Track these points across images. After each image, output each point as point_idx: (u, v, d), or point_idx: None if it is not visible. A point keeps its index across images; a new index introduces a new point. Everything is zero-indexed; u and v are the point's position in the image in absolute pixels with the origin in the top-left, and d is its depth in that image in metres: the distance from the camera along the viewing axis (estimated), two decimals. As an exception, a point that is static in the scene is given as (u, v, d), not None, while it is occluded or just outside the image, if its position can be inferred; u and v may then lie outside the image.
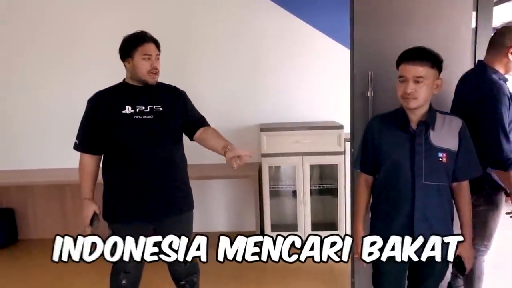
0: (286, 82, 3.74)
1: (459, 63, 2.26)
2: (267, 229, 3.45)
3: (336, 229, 3.40)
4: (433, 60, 1.66)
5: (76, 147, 2.08)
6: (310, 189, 3.42)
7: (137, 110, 2.01)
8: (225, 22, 3.68)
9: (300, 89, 3.74)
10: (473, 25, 2.34)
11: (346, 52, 2.50)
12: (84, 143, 2.06)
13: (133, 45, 1.98)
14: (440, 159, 1.67)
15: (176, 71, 3.64)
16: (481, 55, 2.33)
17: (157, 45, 2.05)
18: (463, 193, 1.75)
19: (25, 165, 3.88)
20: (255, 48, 3.70)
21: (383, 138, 1.77)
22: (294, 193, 3.47)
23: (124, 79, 2.11)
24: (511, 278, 2.92)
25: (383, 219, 1.79)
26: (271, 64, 3.72)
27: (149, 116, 2.02)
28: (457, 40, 2.25)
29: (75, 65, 3.77)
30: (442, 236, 1.59)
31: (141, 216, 2.06)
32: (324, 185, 3.62)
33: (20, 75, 3.82)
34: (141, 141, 2.00)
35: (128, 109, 2.00)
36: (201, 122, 2.19)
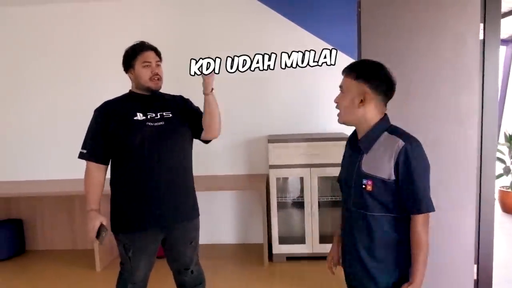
0: (294, 93, 3.76)
1: (466, 75, 2.25)
2: (275, 241, 3.43)
3: (344, 241, 3.36)
4: (359, 72, 1.50)
5: (83, 156, 2.05)
6: (318, 201, 3.40)
7: (149, 116, 2.04)
8: (232, 34, 3.72)
9: (308, 101, 3.74)
10: (481, 37, 2.34)
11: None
12: (92, 152, 2.03)
13: (132, 55, 2.04)
14: (364, 186, 1.49)
15: (183, 82, 3.68)
16: (489, 67, 2.33)
17: (157, 53, 2.09)
18: (410, 228, 1.48)
19: (34, 176, 3.92)
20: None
21: (344, 154, 1.69)
22: (302, 205, 3.45)
23: (130, 90, 2.14)
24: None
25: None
26: (279, 75, 3.74)
27: (160, 123, 2.04)
28: (465, 52, 2.24)
29: (84, 78, 3.83)
30: (371, 274, 1.52)
31: (153, 224, 2.05)
32: (333, 197, 3.60)
33: (29, 87, 3.88)
34: (154, 148, 2.00)
35: (140, 116, 2.02)
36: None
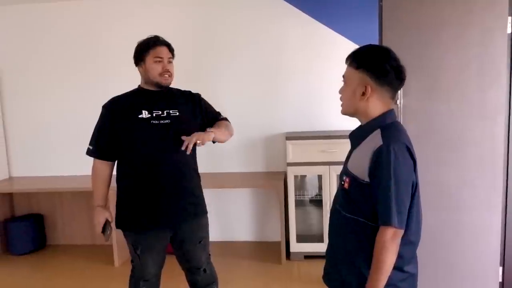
0: (312, 89, 3.70)
1: (494, 70, 2.17)
2: (292, 239, 3.39)
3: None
4: (360, 61, 1.36)
5: (90, 152, 2.06)
6: (336, 199, 3.35)
7: (154, 114, 2.01)
8: (248, 30, 3.68)
9: (327, 97, 3.68)
10: (509, 30, 2.26)
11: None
12: (98, 149, 2.03)
13: (145, 49, 2.00)
14: (343, 183, 1.39)
15: (199, 80, 3.67)
16: None
17: (170, 49, 2.05)
18: (375, 239, 1.28)
19: (54, 171, 3.98)
20: (280, 55, 3.68)
21: None
22: (320, 203, 3.41)
23: (139, 85, 2.11)
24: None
25: None
26: (297, 71, 3.69)
27: (166, 121, 2.01)
28: (493, 46, 2.17)
29: (101, 74, 3.86)
30: (343, 275, 1.39)
31: (159, 223, 2.03)
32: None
33: (48, 84, 3.93)
34: (158, 146, 1.98)
35: (145, 114, 1.99)
36: (216, 117, 2.21)
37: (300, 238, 3.41)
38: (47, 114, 3.97)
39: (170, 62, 2.03)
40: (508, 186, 2.27)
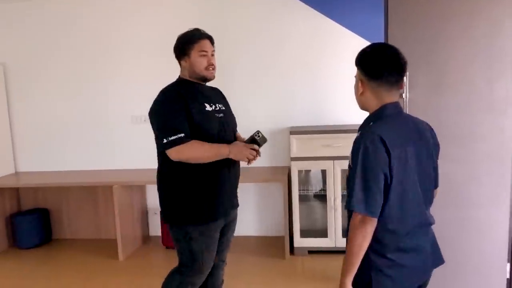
0: (318, 84, 3.66)
1: (503, 62, 2.12)
2: (296, 234, 3.38)
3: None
4: (356, 60, 1.47)
5: (180, 140, 1.85)
6: (342, 194, 3.32)
7: (213, 107, 2.01)
8: (254, 24, 3.65)
9: (331, 91, 3.65)
10: None
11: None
12: (185, 130, 1.88)
13: (189, 43, 1.98)
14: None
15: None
16: None
17: (212, 42, 2.04)
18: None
19: (60, 166, 3.99)
20: (285, 49, 3.64)
21: None
22: (324, 198, 3.38)
23: (181, 77, 2.06)
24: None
25: None
26: (302, 65, 3.65)
27: (221, 114, 2.03)
28: (501, 37, 2.11)
29: (108, 70, 3.85)
30: None
31: (222, 212, 2.04)
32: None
33: (54, 79, 3.94)
34: (225, 138, 2.00)
35: (208, 106, 1.99)
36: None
37: (304, 233, 3.39)
38: (53, 109, 3.98)
39: (213, 55, 2.03)
40: (517, 181, 2.22)
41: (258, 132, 1.98)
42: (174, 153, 1.87)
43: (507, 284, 2.32)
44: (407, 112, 2.21)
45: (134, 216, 3.71)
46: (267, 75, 3.68)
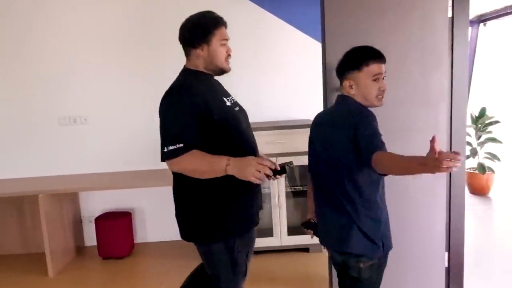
0: (256, 79, 3.56)
1: (436, 55, 2.14)
2: (242, 235, 3.26)
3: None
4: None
5: (183, 150, 1.56)
6: (285, 192, 3.26)
7: (230, 101, 1.75)
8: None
9: (272, 87, 3.56)
10: (450, 14, 2.22)
11: (319, 46, 2.35)
12: (192, 141, 1.58)
13: (210, 28, 1.67)
14: None
15: (137, 68, 3.46)
16: (458, 46, 2.22)
17: (226, 28, 1.76)
18: None
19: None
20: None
21: None
22: (268, 196, 3.30)
23: (191, 69, 1.73)
24: (491, 276, 2.85)
25: None
26: (240, 60, 3.53)
27: (237, 108, 1.78)
28: (433, 31, 2.13)
29: (32, 71, 3.50)
30: None
31: (256, 220, 1.82)
32: (301, 186, 3.47)
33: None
34: (249, 137, 1.77)
35: (227, 101, 1.72)
36: None
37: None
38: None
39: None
40: (452, 173, 2.27)
41: (291, 162, 1.62)
42: (174, 165, 1.59)
43: (446, 272, 2.38)
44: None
45: (66, 227, 3.40)
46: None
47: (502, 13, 4.37)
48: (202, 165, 1.58)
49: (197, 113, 1.58)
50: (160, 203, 3.63)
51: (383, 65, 1.62)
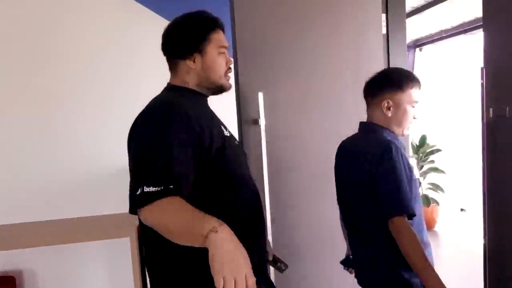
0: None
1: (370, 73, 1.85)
2: None
3: None
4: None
5: (171, 192, 1.06)
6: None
7: (228, 131, 1.33)
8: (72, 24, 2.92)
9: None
10: (384, 31, 1.97)
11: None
12: (183, 181, 1.10)
13: (203, 32, 1.28)
14: None
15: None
16: (394, 59, 1.93)
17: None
18: None
19: None
20: (140, 56, 2.97)
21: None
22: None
23: (177, 85, 1.31)
24: None
25: None
26: (154, 70, 3.02)
27: (237, 142, 1.40)
28: (367, 48, 1.84)
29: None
30: None
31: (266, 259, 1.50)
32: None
33: None
34: (250, 179, 1.38)
35: (225, 130, 1.31)
36: None
37: None
38: None
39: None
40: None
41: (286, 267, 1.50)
42: (147, 213, 1.06)
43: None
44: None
45: None
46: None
47: (436, 37, 4.30)
48: (183, 221, 1.04)
49: (195, 143, 1.13)
50: (57, 263, 2.91)
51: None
